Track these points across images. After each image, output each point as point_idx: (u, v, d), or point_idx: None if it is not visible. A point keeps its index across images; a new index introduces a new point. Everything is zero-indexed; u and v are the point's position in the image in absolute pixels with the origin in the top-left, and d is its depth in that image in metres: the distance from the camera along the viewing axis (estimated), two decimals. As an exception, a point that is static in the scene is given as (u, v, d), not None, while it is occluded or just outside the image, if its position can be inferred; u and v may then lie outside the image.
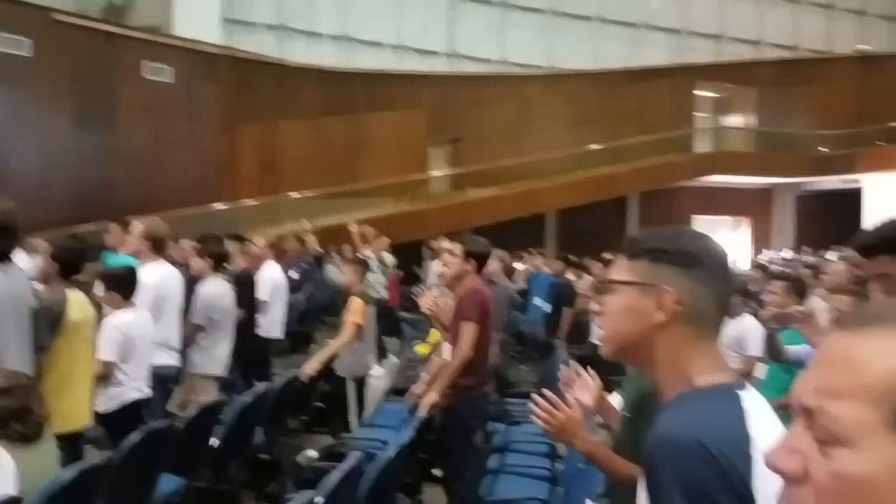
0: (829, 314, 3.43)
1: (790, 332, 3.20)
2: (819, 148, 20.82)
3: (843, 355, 0.59)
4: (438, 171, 17.78)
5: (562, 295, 7.63)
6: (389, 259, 9.63)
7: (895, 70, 22.32)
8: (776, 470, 0.60)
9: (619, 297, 1.24)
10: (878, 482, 0.54)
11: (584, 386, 2.08)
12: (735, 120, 21.97)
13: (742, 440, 1.02)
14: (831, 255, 12.72)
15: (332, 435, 5.35)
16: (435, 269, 8.89)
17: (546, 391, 1.98)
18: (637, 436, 1.98)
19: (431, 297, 4.47)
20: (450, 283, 4.72)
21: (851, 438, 0.55)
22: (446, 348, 4.14)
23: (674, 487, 1.01)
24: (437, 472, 4.87)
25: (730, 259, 1.25)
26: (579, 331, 7.68)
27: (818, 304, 4.52)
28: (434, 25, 18.35)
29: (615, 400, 2.29)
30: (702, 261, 1.18)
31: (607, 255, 9.01)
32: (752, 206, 21.94)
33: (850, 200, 18.71)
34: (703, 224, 18.87)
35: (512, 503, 3.82)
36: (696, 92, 20.61)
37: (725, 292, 1.22)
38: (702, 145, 20.46)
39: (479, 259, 4.11)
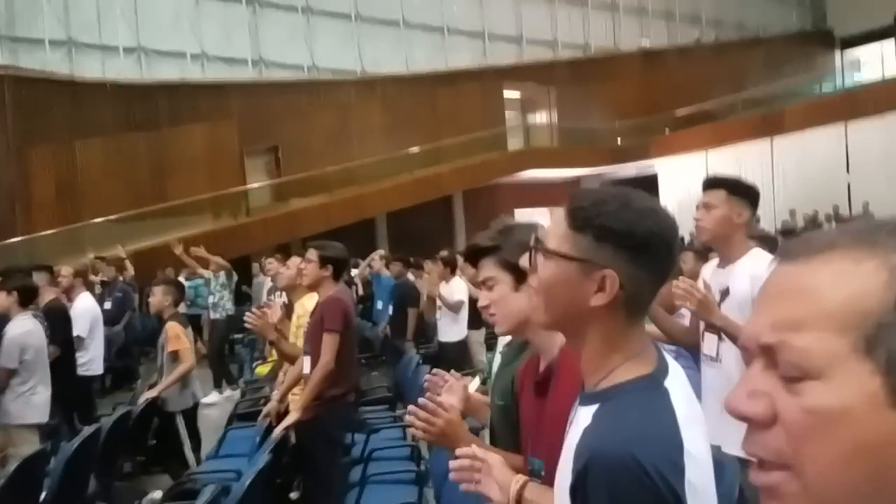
0: None
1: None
2: (618, 139, 22.42)
3: (798, 286, 0.55)
4: (258, 183, 17.14)
5: (405, 296, 7.55)
6: (233, 274, 9.08)
7: (675, 63, 24.60)
8: (741, 417, 0.55)
9: (556, 269, 1.14)
10: (855, 412, 0.50)
11: (450, 390, 1.99)
12: (540, 118, 23.13)
13: (675, 450, 1.00)
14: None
15: (169, 474, 4.90)
16: (267, 285, 8.52)
17: (422, 399, 1.87)
18: (516, 423, 1.93)
19: (256, 312, 4.19)
20: (289, 288, 4.49)
21: (822, 370, 0.52)
22: (306, 361, 3.90)
23: None
24: (294, 495, 4.64)
25: (677, 237, 1.17)
26: (424, 331, 7.66)
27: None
28: (237, 33, 17.71)
29: (473, 385, 2.24)
30: (649, 245, 1.10)
31: (443, 253, 9.09)
32: (565, 197, 22.99)
33: (648, 184, 20.29)
34: (525, 216, 19.63)
35: (383, 511, 3.65)
36: (504, 92, 21.42)
37: (665, 276, 1.15)
38: (514, 143, 21.34)
39: (337, 265, 3.95)
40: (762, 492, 0.55)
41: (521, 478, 1.30)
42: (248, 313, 4.10)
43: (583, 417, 1.09)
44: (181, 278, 9.73)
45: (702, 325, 2.78)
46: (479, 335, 7.91)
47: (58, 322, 5.34)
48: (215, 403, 7.98)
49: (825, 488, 0.51)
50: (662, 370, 1.12)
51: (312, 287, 3.97)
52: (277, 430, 3.82)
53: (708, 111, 21.26)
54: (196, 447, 4.97)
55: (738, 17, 27.33)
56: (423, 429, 1.82)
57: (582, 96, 22.33)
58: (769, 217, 15.32)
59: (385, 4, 19.83)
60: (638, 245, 1.09)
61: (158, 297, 5.13)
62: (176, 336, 4.91)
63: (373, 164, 17.60)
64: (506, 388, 2.01)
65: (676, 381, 1.11)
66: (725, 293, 2.72)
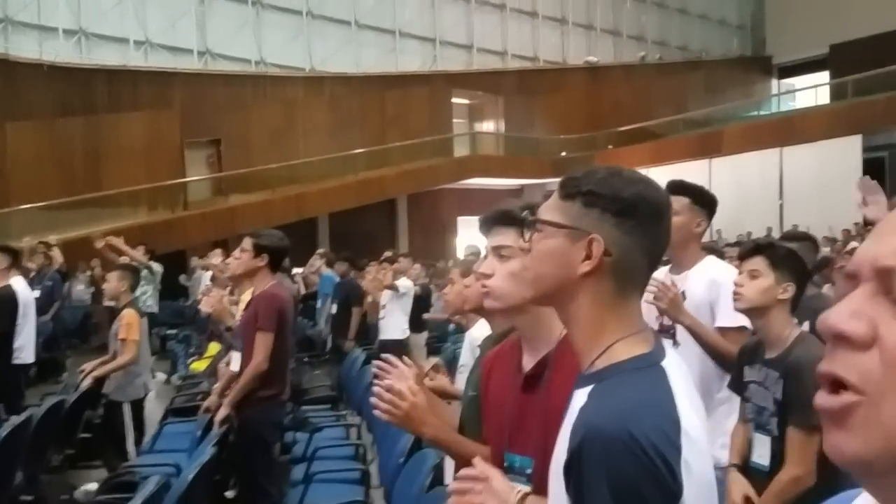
0: None
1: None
2: (562, 152, 22.72)
3: None
4: (197, 176, 16.72)
5: (349, 295, 7.45)
6: (157, 268, 8.80)
7: (620, 81, 25.13)
8: (839, 333, 0.53)
9: (546, 239, 1.14)
10: None
11: (400, 376, 1.95)
12: (487, 126, 23.28)
13: (673, 429, 0.98)
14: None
15: (106, 467, 4.69)
16: (206, 280, 8.31)
17: (389, 380, 1.81)
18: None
19: (216, 296, 4.07)
20: (236, 280, 4.36)
21: None
22: (235, 357, 3.77)
23: (602, 486, 0.95)
24: (230, 493, 4.51)
25: (669, 209, 1.16)
26: (367, 330, 7.57)
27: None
28: (183, 22, 17.29)
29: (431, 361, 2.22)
30: (635, 209, 1.09)
31: (388, 254, 9.04)
32: (507, 206, 23.30)
33: (591, 198, 20.63)
34: (466, 225, 19.70)
35: (328, 510, 3.56)
36: (452, 99, 21.49)
37: (657, 247, 1.13)
38: (460, 149, 21.39)
39: (274, 254, 3.75)
40: (827, 416, 0.53)
41: (521, 490, 1.26)
42: (205, 297, 3.97)
43: (579, 399, 1.06)
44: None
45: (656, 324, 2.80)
46: (421, 338, 7.89)
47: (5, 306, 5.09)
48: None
49: None
50: (660, 351, 1.10)
51: (248, 277, 3.79)
52: (216, 425, 3.70)
53: (650, 129, 21.76)
54: (138, 440, 4.78)
55: (681, 40, 28.15)
56: (388, 411, 1.77)
57: (529, 107, 22.60)
58: (705, 236, 15.73)
59: (337, 3, 19.67)
60: (624, 208, 1.08)
61: (114, 283, 4.95)
62: (128, 325, 4.71)
63: (317, 162, 17.40)
64: (479, 381, 1.97)
65: (674, 362, 1.10)
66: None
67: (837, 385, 0.53)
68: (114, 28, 16.34)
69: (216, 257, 7.82)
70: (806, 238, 3.87)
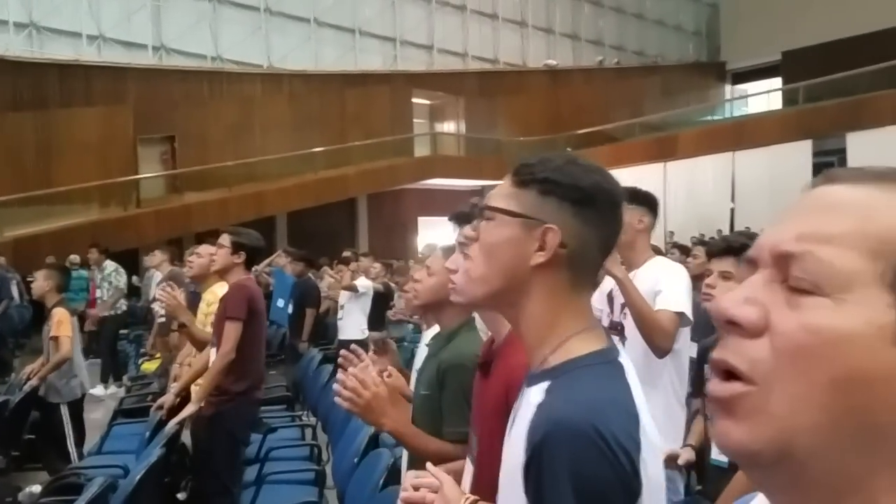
0: None
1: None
2: (522, 154, 22.81)
3: (842, 203, 0.52)
4: (151, 173, 16.41)
5: (304, 295, 7.38)
6: (111, 266, 8.60)
7: (579, 84, 25.37)
8: (730, 319, 0.52)
9: (498, 228, 1.08)
10: (859, 341, 0.47)
11: (363, 368, 1.95)
12: (448, 126, 23.29)
13: (633, 424, 0.96)
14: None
15: (47, 470, 4.58)
16: (157, 278, 8.16)
17: (352, 369, 1.82)
18: (439, 412, 1.92)
19: (170, 291, 4.00)
20: (199, 277, 4.30)
21: (838, 288, 0.48)
22: (213, 353, 3.72)
23: (566, 480, 0.91)
24: (181, 496, 4.44)
25: (623, 199, 1.13)
26: (324, 331, 7.51)
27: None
28: (138, 16, 16.96)
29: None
30: (594, 199, 1.05)
31: (347, 253, 8.99)
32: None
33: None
34: (427, 225, 19.69)
35: (281, 511, 3.52)
36: (413, 99, 21.45)
37: (611, 238, 1.10)
38: (421, 150, 21.35)
39: (250, 252, 3.80)
40: (717, 404, 0.52)
41: (470, 497, 1.24)
42: (160, 292, 3.91)
43: (534, 396, 1.02)
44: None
45: (606, 322, 2.84)
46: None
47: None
48: (102, 399, 7.61)
49: (791, 414, 0.48)
50: (614, 347, 1.08)
51: (222, 274, 3.80)
52: (171, 424, 3.63)
53: (608, 132, 22.01)
54: (80, 441, 4.67)
55: (638, 45, 28.54)
56: (350, 399, 1.77)
57: (490, 108, 22.66)
58: (661, 239, 15.98)
59: (295, 0, 19.47)
60: (583, 198, 1.05)
61: (40, 281, 4.93)
62: (59, 322, 4.65)
63: (276, 160, 17.18)
64: (431, 378, 1.99)
65: (626, 359, 1.08)
66: None
67: (729, 373, 0.51)
68: (67, 22, 15.94)
69: (156, 258, 7.71)
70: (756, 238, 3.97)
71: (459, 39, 23.51)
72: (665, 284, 2.64)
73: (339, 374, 1.81)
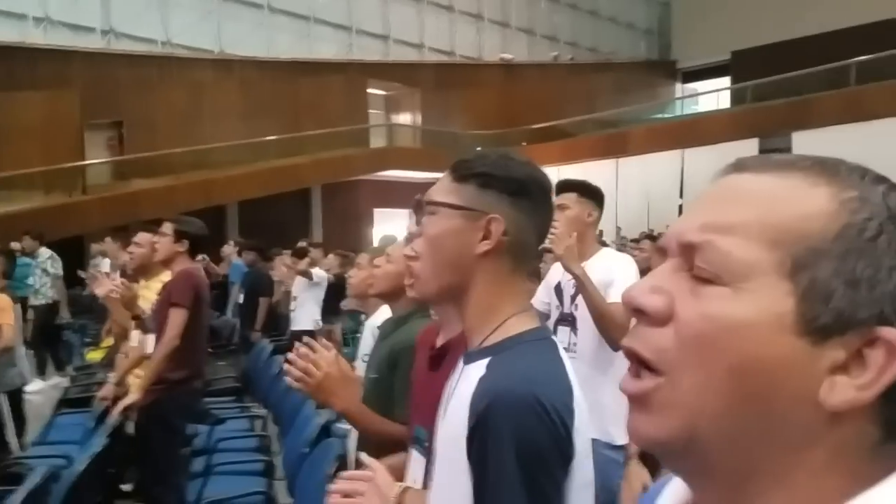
0: None
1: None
2: (477, 146, 22.90)
3: (744, 192, 0.53)
4: (97, 159, 15.97)
5: (256, 284, 7.29)
6: (46, 254, 8.36)
7: (533, 79, 25.52)
8: (636, 307, 0.53)
9: (442, 221, 1.17)
10: (754, 329, 0.48)
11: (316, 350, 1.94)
12: (404, 118, 23.20)
13: (568, 395, 1.04)
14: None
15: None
16: (104, 267, 7.99)
17: (302, 348, 1.81)
18: (389, 395, 1.93)
19: (111, 282, 3.92)
20: (142, 268, 4.20)
21: (737, 277, 0.49)
22: (150, 340, 3.66)
23: (508, 446, 0.98)
24: (126, 487, 4.38)
25: (552, 188, 1.23)
26: (278, 321, 7.44)
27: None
28: (84, -1, 16.47)
29: None
30: (529, 189, 1.15)
31: (301, 244, 8.90)
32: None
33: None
34: (383, 216, 19.60)
35: (228, 502, 3.48)
36: (368, 89, 21.30)
37: (545, 225, 1.20)
38: (377, 141, 21.22)
39: (194, 241, 3.74)
40: (631, 401, 0.53)
41: (400, 485, 1.27)
42: (113, 283, 3.82)
43: (474, 372, 1.09)
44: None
45: (553, 317, 2.89)
46: (336, 329, 7.81)
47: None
48: (39, 391, 7.39)
49: (698, 401, 0.49)
50: (547, 327, 1.18)
51: (166, 263, 3.74)
52: (114, 413, 3.56)
53: (562, 128, 22.19)
54: (20, 432, 4.56)
55: (592, 41, 28.82)
56: (300, 378, 1.78)
57: (445, 101, 22.62)
58: (611, 234, 16.21)
59: (249, -14, 19.22)
60: (518, 189, 1.14)
61: None
62: (1, 310, 4.53)
63: (226, 148, 16.87)
64: (381, 363, 1.99)
65: (557, 337, 1.19)
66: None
67: (641, 363, 0.53)
68: (11, 3, 15.42)
69: (107, 245, 7.52)
70: None
71: (416, 30, 23.42)
72: (617, 275, 2.71)
73: (289, 354, 1.81)
